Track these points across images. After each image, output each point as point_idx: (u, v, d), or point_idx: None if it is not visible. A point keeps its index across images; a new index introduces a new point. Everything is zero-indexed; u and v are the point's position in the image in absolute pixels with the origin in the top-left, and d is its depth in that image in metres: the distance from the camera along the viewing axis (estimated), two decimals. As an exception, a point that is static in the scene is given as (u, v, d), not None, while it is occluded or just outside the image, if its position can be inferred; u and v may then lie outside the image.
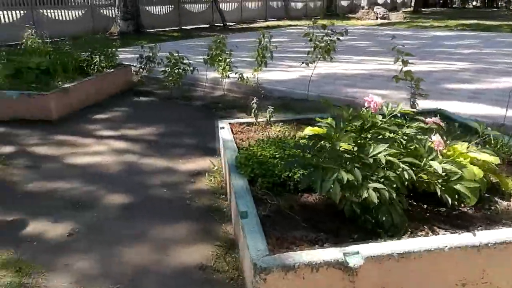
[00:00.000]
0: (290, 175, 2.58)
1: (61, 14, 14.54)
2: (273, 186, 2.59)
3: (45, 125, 5.12)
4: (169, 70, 6.28)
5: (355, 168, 2.03)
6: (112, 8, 15.92)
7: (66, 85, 5.48)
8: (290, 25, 19.50)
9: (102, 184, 3.63)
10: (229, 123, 3.85)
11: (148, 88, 7.04)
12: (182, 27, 18.06)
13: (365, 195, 2.01)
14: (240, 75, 5.93)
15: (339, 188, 2.03)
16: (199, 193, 3.44)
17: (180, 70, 6.30)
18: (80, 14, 15.17)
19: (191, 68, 6.25)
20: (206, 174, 3.75)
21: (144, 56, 6.85)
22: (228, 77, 6.05)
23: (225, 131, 3.66)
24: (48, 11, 14.21)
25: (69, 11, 14.86)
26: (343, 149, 2.18)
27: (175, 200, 3.35)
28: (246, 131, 3.81)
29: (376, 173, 2.11)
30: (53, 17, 14.31)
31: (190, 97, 6.52)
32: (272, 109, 3.75)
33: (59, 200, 3.35)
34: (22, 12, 13.49)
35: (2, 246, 2.74)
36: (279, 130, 3.69)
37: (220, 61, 5.96)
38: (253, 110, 3.76)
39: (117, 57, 6.90)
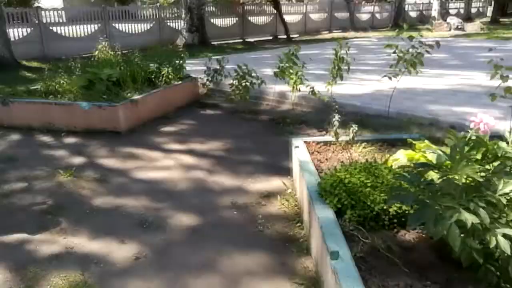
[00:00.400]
0: (385, 208, 2.23)
1: (131, 28, 15.16)
2: (365, 220, 2.26)
3: (114, 136, 5.14)
4: (237, 83, 6.14)
5: (481, 209, 1.66)
6: (178, 20, 16.36)
7: (135, 97, 5.50)
8: (356, 37, 18.97)
9: (169, 202, 3.48)
10: (305, 141, 3.57)
11: (214, 100, 6.95)
12: (245, 39, 18.16)
13: (493, 243, 1.63)
14: (312, 89, 5.64)
15: (459, 232, 1.66)
16: (271, 218, 3.18)
17: (248, 84, 6.14)
18: (148, 27, 15.73)
19: (259, 81, 6.07)
20: (278, 196, 3.49)
21: (211, 68, 6.78)
22: (299, 90, 5.79)
23: (301, 150, 3.38)
24: (120, 24, 14.87)
25: (138, 24, 15.47)
26: (462, 183, 1.81)
27: (245, 224, 3.11)
28: (324, 150, 3.50)
29: (505, 215, 1.72)
30: (124, 30, 14.95)
31: (257, 111, 6.32)
32: (355, 127, 3.41)
33: (126, 218, 3.23)
34: (96, 26, 14.22)
35: (70, 267, 2.64)
36: (363, 151, 3.35)
37: (291, 74, 5.71)
38: (334, 128, 3.45)
39: (184, 69, 6.89)
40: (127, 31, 15.04)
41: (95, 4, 21.62)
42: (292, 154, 3.62)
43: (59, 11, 13.67)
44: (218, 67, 6.78)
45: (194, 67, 9.04)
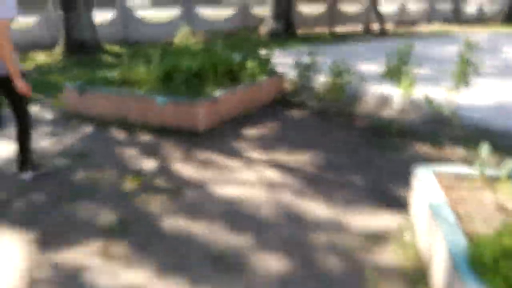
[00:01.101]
0: None
1: (214, 13, 14.98)
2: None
3: (191, 137, 4.73)
4: (331, 81, 5.45)
5: None
6: (264, 6, 15.88)
7: (216, 93, 5.04)
8: (461, 32, 17.18)
9: (251, 232, 2.93)
10: (434, 172, 2.81)
11: (300, 98, 6.31)
12: (334, 29, 17.23)
13: None
14: (426, 96, 4.78)
15: None
16: (384, 273, 2.49)
17: (344, 83, 5.42)
18: (232, 12, 15.44)
19: (359, 81, 5.33)
20: (390, 241, 2.78)
21: (301, 63, 6.15)
22: (409, 96, 4.96)
23: (429, 185, 2.64)
24: (203, 9, 14.74)
25: (222, 9, 15.25)
26: None
27: (349, 281, 2.45)
28: (457, 185, 2.73)
29: None
30: (206, 15, 14.80)
31: (352, 115, 5.58)
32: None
33: (199, 250, 2.73)
34: (179, 10, 14.20)
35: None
36: (517, 195, 2.52)
37: (402, 76, 4.89)
38: (480, 158, 2.65)
39: (271, 63, 6.33)
40: (209, 16, 14.87)
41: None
42: (415, 187, 2.89)
43: (144, -5, 13.83)
44: (308, 61, 6.13)
45: (278, 58, 8.47)
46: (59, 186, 3.64)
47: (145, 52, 6.44)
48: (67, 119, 5.48)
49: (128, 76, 5.57)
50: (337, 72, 5.45)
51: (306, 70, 6.18)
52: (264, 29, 15.00)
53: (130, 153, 4.36)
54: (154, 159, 4.19)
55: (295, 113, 5.76)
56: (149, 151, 4.39)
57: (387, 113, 5.61)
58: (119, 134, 4.93)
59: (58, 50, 11.15)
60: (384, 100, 5.78)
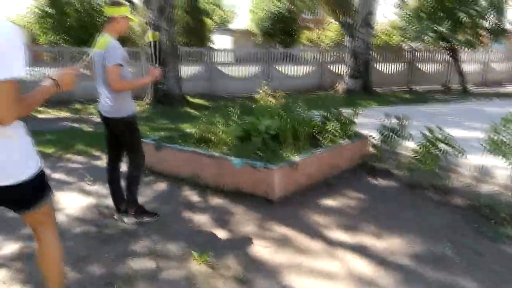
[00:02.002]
0: None
1: (292, 70, 14.74)
2: None
3: (264, 205, 4.10)
4: (424, 150, 4.62)
5: None
6: (341, 64, 15.41)
7: (295, 158, 4.42)
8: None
9: None
10: None
11: (386, 165, 5.49)
12: (412, 87, 16.21)
13: None
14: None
15: None
16: None
17: (440, 153, 4.56)
18: (309, 70, 15.12)
19: (458, 152, 4.44)
20: None
21: (387, 126, 5.38)
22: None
23: None
24: (281, 66, 14.58)
25: (299, 66, 14.99)
26: None
27: None
28: None
29: None
30: (285, 72, 14.60)
31: (446, 189, 4.65)
32: None
33: None
34: (259, 67, 14.15)
35: None
36: None
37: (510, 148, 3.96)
38: None
39: (354, 125, 5.63)
40: (287, 73, 14.66)
41: (260, 46, 22.30)
42: None
43: (229, 52, 13.98)
44: (395, 125, 5.35)
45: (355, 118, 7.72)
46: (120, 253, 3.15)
47: (226, 107, 6.03)
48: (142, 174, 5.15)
49: (206, 134, 5.17)
50: (432, 140, 4.62)
51: (392, 134, 5.39)
52: (340, 87, 14.43)
53: (200, 220, 3.82)
54: (224, 230, 3.60)
55: (380, 183, 4.95)
56: (220, 219, 3.82)
57: (490, 189, 4.61)
58: (191, 195, 4.45)
59: (147, 100, 11.38)
60: (483, 172, 4.79)
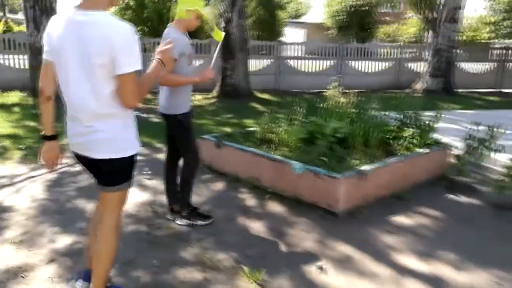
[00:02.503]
0: None
1: (366, 66, 13.95)
2: None
3: (327, 218, 3.72)
4: (520, 167, 3.94)
5: None
6: (420, 62, 14.32)
7: (365, 167, 3.97)
8: None
9: None
10: None
11: (468, 179, 4.83)
12: (502, 90, 14.65)
13: None
14: None
15: None
16: None
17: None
18: (385, 66, 14.22)
19: None
20: None
21: (475, 137, 4.71)
22: None
23: None
24: (355, 62, 13.87)
25: (375, 63, 14.14)
26: None
27: None
28: None
29: None
30: (358, 68, 13.86)
31: (546, 214, 3.94)
32: None
33: None
34: (331, 62, 13.57)
35: None
36: None
37: None
38: None
39: (435, 131, 5.01)
40: (361, 69, 13.90)
41: (334, 40, 21.54)
42: None
43: (299, 45, 13.56)
44: (485, 134, 4.67)
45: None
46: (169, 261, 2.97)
47: (292, 103, 5.67)
48: (201, 171, 4.99)
49: (267, 134, 4.87)
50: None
51: (480, 145, 4.71)
52: (419, 86, 13.39)
53: (255, 228, 3.54)
54: (280, 244, 3.29)
55: (463, 200, 4.33)
56: (276, 230, 3.51)
57: None
58: (248, 198, 4.20)
59: (214, 93, 11.36)
60: None
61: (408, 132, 4.80)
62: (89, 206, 3.87)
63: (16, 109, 8.56)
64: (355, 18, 28.05)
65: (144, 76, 2.15)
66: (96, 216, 2.38)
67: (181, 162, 3.58)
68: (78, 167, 4.99)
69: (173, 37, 3.17)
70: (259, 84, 12.32)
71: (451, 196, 4.44)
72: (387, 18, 29.98)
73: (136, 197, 4.15)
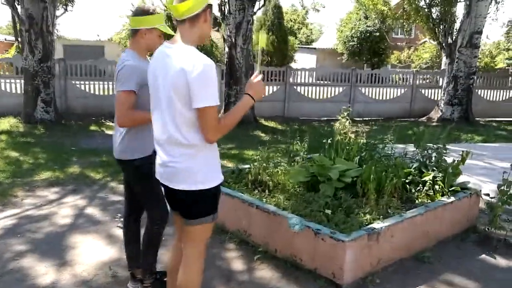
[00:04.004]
0: None
1: (378, 93, 13.17)
2: None
3: (329, 291, 2.90)
4: None
5: None
6: (436, 89, 13.51)
7: (378, 224, 3.15)
8: None
9: None
10: None
11: (504, 232, 3.95)
12: (523, 119, 13.69)
13: None
14: None
15: None
16: None
17: None
18: (399, 93, 13.42)
19: None
20: None
21: (510, 182, 3.86)
22: None
23: None
24: (366, 89, 13.11)
25: (387, 89, 13.36)
26: None
27: None
28: None
29: None
30: (370, 95, 13.09)
31: None
32: None
33: None
34: (341, 88, 12.85)
35: None
36: None
37: None
38: None
39: (461, 174, 4.18)
40: (373, 96, 13.13)
41: (346, 66, 20.90)
42: None
43: (309, 72, 12.89)
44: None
45: (452, 155, 6.14)
46: None
47: (296, 133, 4.93)
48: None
49: (262, 175, 4.10)
50: None
51: (516, 193, 3.86)
52: (434, 115, 12.54)
53: (235, 305, 2.74)
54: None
55: (499, 263, 3.46)
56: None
57: None
58: (234, 258, 3.39)
59: (217, 121, 10.67)
60: None
61: (429, 175, 3.98)
62: (40, 268, 3.12)
63: (3, 136, 7.97)
64: (367, 43, 27.46)
65: (231, 111, 2.10)
66: (177, 240, 2.40)
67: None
68: (46, 210, 4.30)
69: (129, 64, 2.48)
70: (266, 111, 11.64)
71: (484, 256, 3.57)
72: (401, 43, 29.35)
73: (97, 254, 3.39)
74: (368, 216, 3.27)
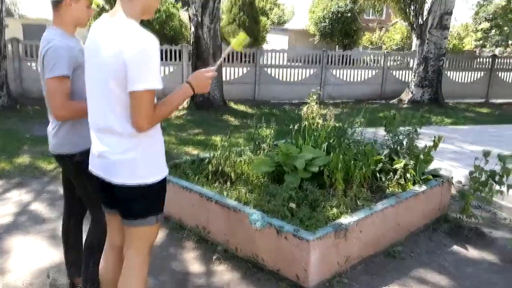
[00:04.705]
0: None
1: (349, 75, 12.97)
2: None
3: (293, 295, 2.64)
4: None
5: None
6: (407, 70, 13.42)
7: (346, 219, 2.89)
8: None
9: None
10: None
11: (475, 221, 3.79)
12: (490, 100, 13.83)
13: None
14: None
15: None
16: None
17: None
18: (370, 75, 13.26)
19: None
20: None
21: (484, 171, 3.68)
22: None
23: None
24: (337, 70, 12.87)
25: (358, 71, 13.17)
26: None
27: None
28: None
29: None
30: (341, 77, 12.87)
31: None
32: None
33: None
34: (312, 70, 12.56)
35: None
36: None
37: None
38: None
39: (432, 160, 3.97)
40: (344, 78, 12.91)
41: (318, 47, 20.60)
42: None
43: (280, 53, 12.51)
44: (497, 169, 3.65)
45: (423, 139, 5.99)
46: None
47: (269, 115, 4.63)
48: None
49: (223, 165, 3.77)
50: None
51: (488, 179, 3.69)
52: (405, 97, 12.47)
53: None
54: None
55: (472, 255, 3.29)
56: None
57: None
58: (191, 258, 3.08)
59: (184, 105, 10.22)
60: None
61: (400, 163, 3.75)
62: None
63: None
64: (339, 24, 27.20)
65: (167, 99, 1.81)
66: (108, 246, 2.09)
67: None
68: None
69: (56, 44, 2.07)
70: (236, 94, 11.24)
71: (457, 248, 3.40)
72: (372, 24, 29.26)
73: (36, 259, 3.01)
74: (335, 210, 3.01)
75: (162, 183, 1.88)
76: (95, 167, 1.90)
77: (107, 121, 1.77)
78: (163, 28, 20.18)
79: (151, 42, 1.65)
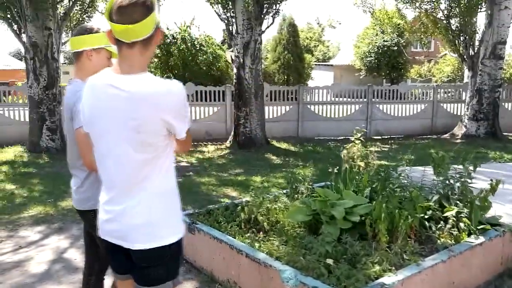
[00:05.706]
0: None
1: (397, 109, 12.49)
2: None
3: None
4: None
5: None
6: (459, 104, 12.72)
7: (390, 279, 2.57)
8: None
9: None
10: None
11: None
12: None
13: None
14: None
15: None
16: None
17: None
18: (419, 109, 12.71)
19: None
20: None
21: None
22: None
23: None
24: (384, 105, 12.46)
25: (406, 105, 12.65)
26: None
27: None
28: None
29: None
30: (388, 112, 12.43)
31: None
32: None
33: None
34: (358, 106, 12.24)
35: None
36: None
37: None
38: None
39: (490, 208, 3.54)
40: (392, 113, 12.45)
41: (364, 82, 20.27)
42: None
43: (323, 90, 12.36)
44: None
45: (481, 180, 5.41)
46: None
47: (312, 152, 4.40)
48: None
49: (256, 213, 3.57)
50: None
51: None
52: (458, 131, 11.75)
53: None
54: None
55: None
56: None
57: None
58: (219, 316, 2.86)
59: (227, 144, 10.25)
60: None
61: (452, 210, 3.36)
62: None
63: (5, 167, 7.71)
64: (385, 58, 26.78)
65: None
66: None
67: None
68: (22, 255, 3.85)
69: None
70: (278, 132, 11.15)
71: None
72: (420, 57, 28.53)
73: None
74: (377, 267, 2.69)
75: (180, 243, 1.76)
76: (108, 233, 1.78)
77: (130, 179, 1.69)
78: (210, 69, 20.82)
79: (182, 86, 1.66)
